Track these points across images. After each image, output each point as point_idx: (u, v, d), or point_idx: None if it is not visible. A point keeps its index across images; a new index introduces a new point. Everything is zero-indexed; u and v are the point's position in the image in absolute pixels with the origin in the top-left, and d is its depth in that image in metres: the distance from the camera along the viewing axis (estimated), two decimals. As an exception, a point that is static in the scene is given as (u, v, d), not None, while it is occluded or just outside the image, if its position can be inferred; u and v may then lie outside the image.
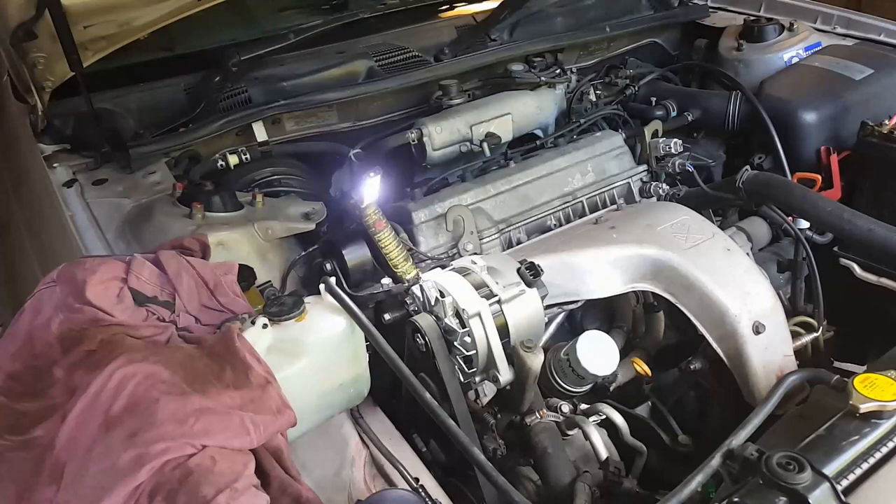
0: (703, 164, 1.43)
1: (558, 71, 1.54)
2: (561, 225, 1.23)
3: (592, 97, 1.63)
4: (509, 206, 1.21)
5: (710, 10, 1.81)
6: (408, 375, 0.73)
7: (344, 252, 1.01)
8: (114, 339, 0.79)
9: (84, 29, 1.14)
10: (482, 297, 0.84)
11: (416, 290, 0.90)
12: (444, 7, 1.81)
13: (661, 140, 1.37)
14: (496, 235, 1.16)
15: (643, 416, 0.93)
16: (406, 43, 1.59)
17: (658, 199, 1.29)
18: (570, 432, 0.82)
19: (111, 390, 0.70)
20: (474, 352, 0.85)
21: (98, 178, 1.21)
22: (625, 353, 0.98)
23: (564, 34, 1.65)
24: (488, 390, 0.90)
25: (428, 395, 0.71)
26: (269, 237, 1.10)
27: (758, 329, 0.93)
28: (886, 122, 1.27)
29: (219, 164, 1.29)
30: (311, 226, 1.12)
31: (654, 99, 1.60)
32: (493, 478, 0.65)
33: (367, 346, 0.83)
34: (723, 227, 1.14)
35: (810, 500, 0.63)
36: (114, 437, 0.66)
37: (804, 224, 1.21)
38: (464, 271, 0.88)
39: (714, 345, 0.95)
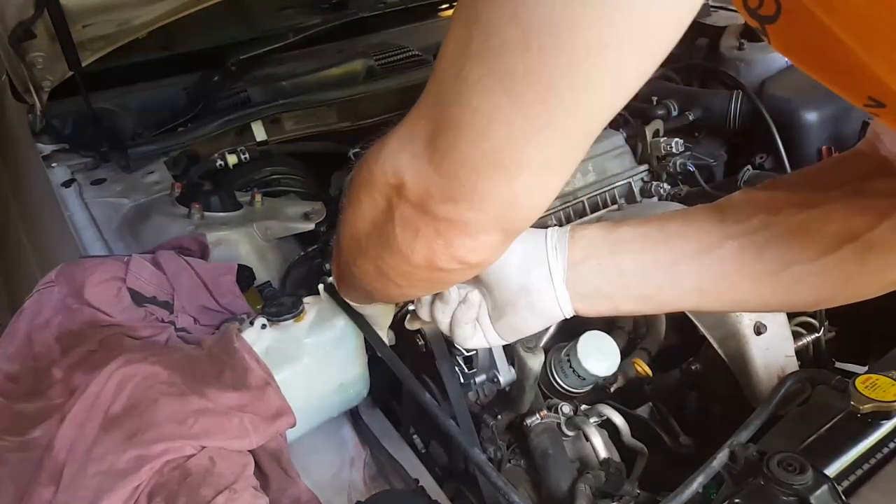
0: (705, 163, 1.43)
1: (559, 70, 1.54)
2: (562, 225, 1.22)
3: (593, 96, 1.62)
4: (509, 205, 1.21)
5: (711, 9, 1.80)
6: (407, 376, 0.72)
7: (343, 252, 1.01)
8: (113, 340, 0.79)
9: (83, 28, 1.14)
10: (482, 297, 0.84)
11: (415, 290, 0.90)
12: (444, 6, 1.81)
13: (662, 140, 1.37)
14: (496, 235, 1.16)
15: (644, 417, 0.92)
16: (406, 42, 1.59)
17: (659, 199, 1.28)
18: (570, 433, 0.81)
19: (110, 391, 0.69)
20: (474, 352, 0.85)
21: (97, 178, 1.21)
22: (626, 354, 0.97)
23: (565, 33, 1.65)
24: (488, 391, 0.89)
25: (427, 396, 0.71)
26: (269, 237, 1.10)
27: (759, 329, 0.93)
28: (888, 121, 1.27)
29: (218, 164, 1.28)
30: (311, 226, 1.12)
31: (655, 98, 1.60)
32: (493, 479, 0.65)
33: (366, 346, 0.83)
34: (724, 227, 1.14)
35: (812, 501, 0.63)
36: (113, 438, 0.66)
37: (805, 224, 1.20)
38: (464, 271, 0.88)
39: (715, 345, 0.95)
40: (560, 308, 0.61)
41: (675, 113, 1.56)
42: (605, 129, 1.57)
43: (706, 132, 1.56)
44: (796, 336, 1.00)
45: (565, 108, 0.38)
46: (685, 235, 0.59)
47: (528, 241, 0.61)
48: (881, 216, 0.55)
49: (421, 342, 0.83)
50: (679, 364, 1.00)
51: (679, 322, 1.04)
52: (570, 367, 0.86)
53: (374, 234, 0.54)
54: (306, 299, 0.82)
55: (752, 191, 0.61)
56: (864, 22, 0.36)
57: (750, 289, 0.59)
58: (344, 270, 0.68)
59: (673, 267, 0.59)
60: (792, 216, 0.57)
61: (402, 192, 0.48)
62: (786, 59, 1.56)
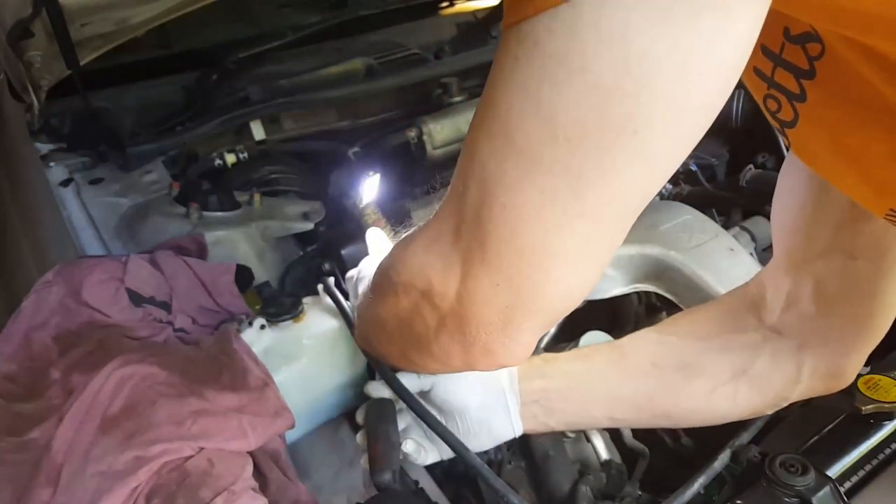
0: (707, 162, 1.42)
1: (559, 69, 1.53)
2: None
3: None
4: (510, 205, 1.20)
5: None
6: (400, 380, 0.71)
7: (343, 252, 1.00)
8: (111, 340, 0.78)
9: (81, 27, 1.13)
10: (482, 297, 0.83)
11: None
12: (444, 4, 1.80)
13: (663, 138, 1.36)
14: (496, 235, 1.15)
15: (645, 417, 0.92)
16: (406, 40, 1.58)
17: (661, 199, 1.28)
18: (571, 434, 0.81)
19: (109, 391, 0.69)
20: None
21: (94, 178, 1.20)
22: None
23: (565, 32, 1.64)
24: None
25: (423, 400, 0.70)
26: (267, 237, 1.10)
27: (761, 329, 0.92)
28: (890, 120, 1.26)
29: (216, 163, 1.28)
30: (310, 225, 1.12)
31: (656, 97, 1.59)
32: (492, 481, 0.65)
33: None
34: (726, 227, 1.14)
35: (814, 503, 0.63)
36: (111, 439, 0.65)
37: (807, 223, 1.20)
38: (464, 271, 0.88)
39: (717, 345, 0.94)
40: (514, 432, 0.72)
41: (676, 111, 1.55)
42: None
43: (708, 131, 1.56)
44: (798, 336, 0.99)
45: (597, 196, 0.37)
46: (595, 379, 0.72)
47: (487, 384, 0.70)
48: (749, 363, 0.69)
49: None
50: (680, 364, 1.00)
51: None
52: (571, 367, 0.85)
53: (401, 329, 0.53)
54: (305, 300, 0.81)
55: (648, 332, 0.75)
56: None
57: (647, 419, 0.74)
58: (364, 333, 0.69)
59: (590, 405, 0.72)
60: (674, 370, 0.70)
61: (431, 297, 0.45)
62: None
